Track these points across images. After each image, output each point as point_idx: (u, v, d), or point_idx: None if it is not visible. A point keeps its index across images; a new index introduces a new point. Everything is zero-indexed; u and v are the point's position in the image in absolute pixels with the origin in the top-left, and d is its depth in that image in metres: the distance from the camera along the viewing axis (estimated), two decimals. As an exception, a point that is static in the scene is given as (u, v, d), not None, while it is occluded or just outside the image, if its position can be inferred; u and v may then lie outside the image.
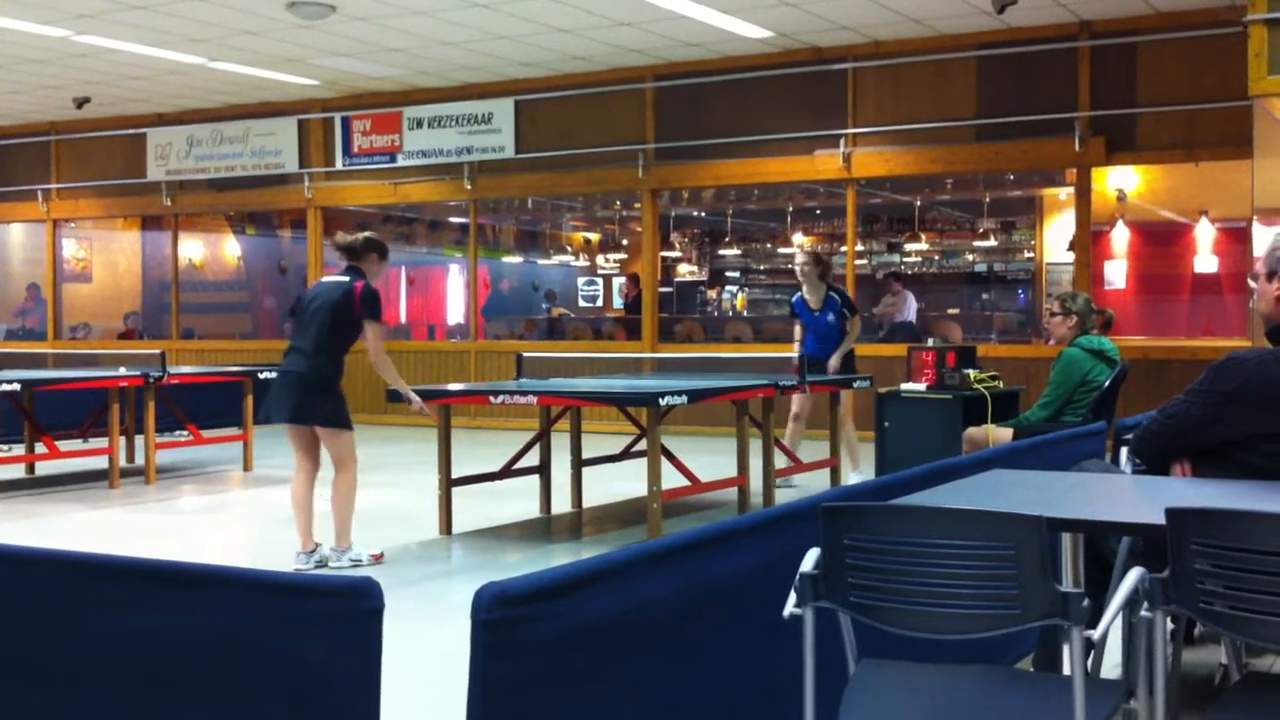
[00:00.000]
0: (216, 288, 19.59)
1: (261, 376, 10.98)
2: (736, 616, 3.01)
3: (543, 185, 14.87)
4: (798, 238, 18.62)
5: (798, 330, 9.66)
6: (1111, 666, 3.90)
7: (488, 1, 10.90)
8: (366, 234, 6.82)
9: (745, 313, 19.26)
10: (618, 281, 20.19)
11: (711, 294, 20.30)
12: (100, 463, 9.95)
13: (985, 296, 17.34)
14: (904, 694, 2.83)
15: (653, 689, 2.75)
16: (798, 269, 9.58)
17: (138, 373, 9.95)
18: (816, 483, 9.02)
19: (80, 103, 15.32)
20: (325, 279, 6.93)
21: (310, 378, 6.51)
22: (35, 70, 13.75)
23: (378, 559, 6.67)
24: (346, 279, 6.60)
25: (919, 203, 16.86)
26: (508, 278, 21.15)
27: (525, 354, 9.51)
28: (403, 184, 15.16)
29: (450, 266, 20.99)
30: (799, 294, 9.60)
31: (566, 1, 10.90)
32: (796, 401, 9.47)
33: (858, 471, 9.38)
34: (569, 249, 22.07)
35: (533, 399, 7.57)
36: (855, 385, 9.27)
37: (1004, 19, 11.33)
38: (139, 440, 10.48)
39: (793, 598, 2.70)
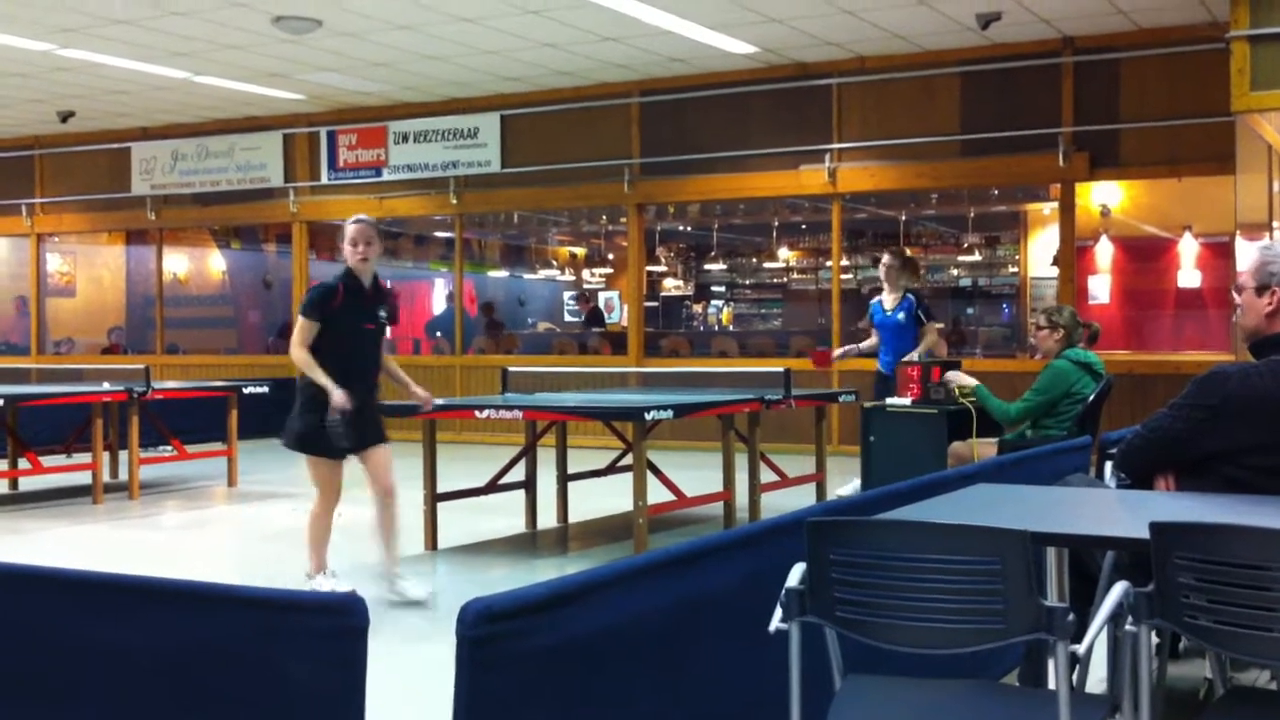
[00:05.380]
0: (201, 303, 19.52)
1: (246, 392, 10.96)
2: (722, 631, 3.01)
3: (528, 200, 14.88)
4: (783, 252, 18.68)
5: (872, 337, 9.51)
6: (1096, 681, 3.90)
7: (473, 16, 10.91)
8: None
9: (731, 327, 19.27)
10: (604, 296, 20.18)
11: (697, 308, 20.32)
12: (84, 478, 9.89)
13: (970, 311, 17.40)
14: (889, 708, 2.83)
15: (639, 704, 2.75)
16: (881, 270, 9.44)
17: (122, 388, 9.91)
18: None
19: (64, 117, 15.28)
20: None
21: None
22: (18, 84, 13.71)
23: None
24: None
25: (904, 217, 16.93)
26: (482, 294, 20.47)
27: (511, 369, 9.49)
28: (388, 198, 15.14)
29: (435, 281, 20.95)
30: (879, 298, 9.50)
31: (552, 16, 10.91)
32: None
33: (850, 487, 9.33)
34: (555, 264, 22.07)
35: (518, 413, 7.55)
36: (841, 400, 9.26)
37: (988, 35, 11.38)
38: (123, 456, 10.43)
39: (778, 613, 2.70)
